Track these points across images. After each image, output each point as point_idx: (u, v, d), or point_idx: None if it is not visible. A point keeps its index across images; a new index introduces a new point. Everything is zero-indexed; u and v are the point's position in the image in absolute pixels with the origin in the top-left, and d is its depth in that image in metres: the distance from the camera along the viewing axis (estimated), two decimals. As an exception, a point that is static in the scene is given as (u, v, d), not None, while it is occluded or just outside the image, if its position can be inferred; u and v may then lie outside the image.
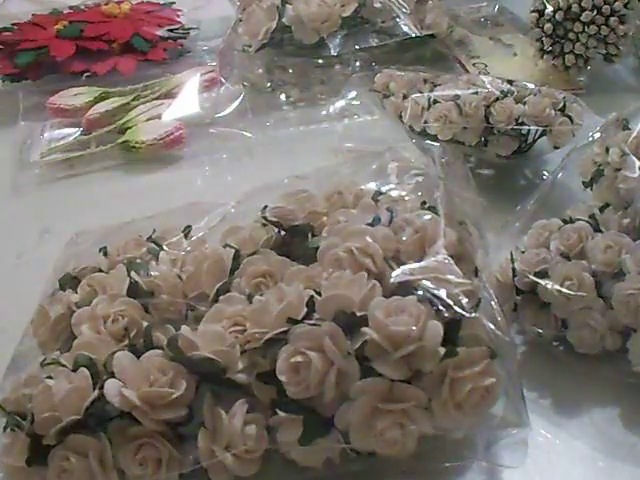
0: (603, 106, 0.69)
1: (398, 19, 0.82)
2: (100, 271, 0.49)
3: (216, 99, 0.81)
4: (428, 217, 0.47)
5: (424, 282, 0.42)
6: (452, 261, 0.44)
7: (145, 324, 0.45)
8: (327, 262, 0.45)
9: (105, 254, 0.50)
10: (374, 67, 0.80)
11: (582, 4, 0.78)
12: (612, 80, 0.83)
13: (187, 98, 0.81)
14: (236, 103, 0.80)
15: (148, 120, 0.78)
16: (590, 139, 0.59)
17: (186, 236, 0.51)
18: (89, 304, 0.46)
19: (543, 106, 0.65)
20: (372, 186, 0.52)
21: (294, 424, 0.41)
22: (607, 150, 0.56)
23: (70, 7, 0.99)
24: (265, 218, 0.50)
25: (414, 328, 0.40)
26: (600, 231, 0.52)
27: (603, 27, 0.78)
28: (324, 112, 0.80)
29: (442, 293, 0.42)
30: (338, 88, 0.80)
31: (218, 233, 0.50)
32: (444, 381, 0.41)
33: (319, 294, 0.42)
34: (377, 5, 0.82)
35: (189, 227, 0.51)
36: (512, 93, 0.67)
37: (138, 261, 0.48)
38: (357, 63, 0.85)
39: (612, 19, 0.77)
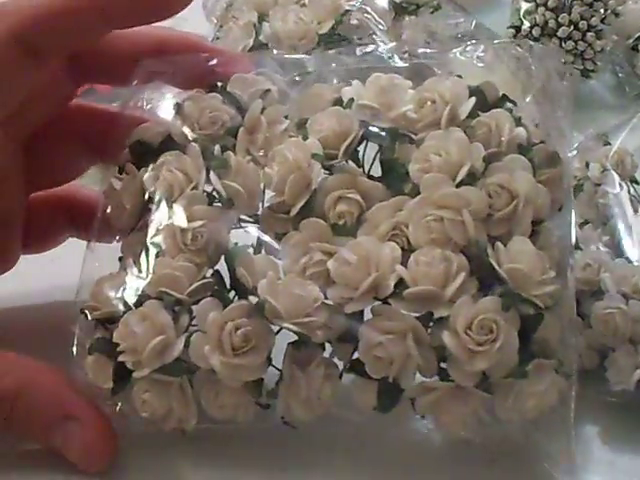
0: (580, 123, 0.68)
1: (375, 36, 0.82)
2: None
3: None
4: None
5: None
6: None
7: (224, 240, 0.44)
8: (417, 218, 0.42)
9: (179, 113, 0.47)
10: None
11: (559, 20, 0.78)
12: (589, 97, 0.83)
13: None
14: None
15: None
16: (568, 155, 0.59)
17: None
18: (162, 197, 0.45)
19: (521, 122, 0.65)
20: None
21: (369, 387, 0.42)
22: (587, 165, 0.56)
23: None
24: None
25: (492, 347, 0.40)
26: (579, 248, 0.52)
27: (580, 42, 0.78)
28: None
29: (524, 292, 0.41)
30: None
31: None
32: (509, 394, 0.41)
33: (404, 249, 0.41)
34: (354, 22, 0.82)
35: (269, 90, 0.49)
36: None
37: (215, 152, 0.45)
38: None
39: (589, 34, 0.78)
